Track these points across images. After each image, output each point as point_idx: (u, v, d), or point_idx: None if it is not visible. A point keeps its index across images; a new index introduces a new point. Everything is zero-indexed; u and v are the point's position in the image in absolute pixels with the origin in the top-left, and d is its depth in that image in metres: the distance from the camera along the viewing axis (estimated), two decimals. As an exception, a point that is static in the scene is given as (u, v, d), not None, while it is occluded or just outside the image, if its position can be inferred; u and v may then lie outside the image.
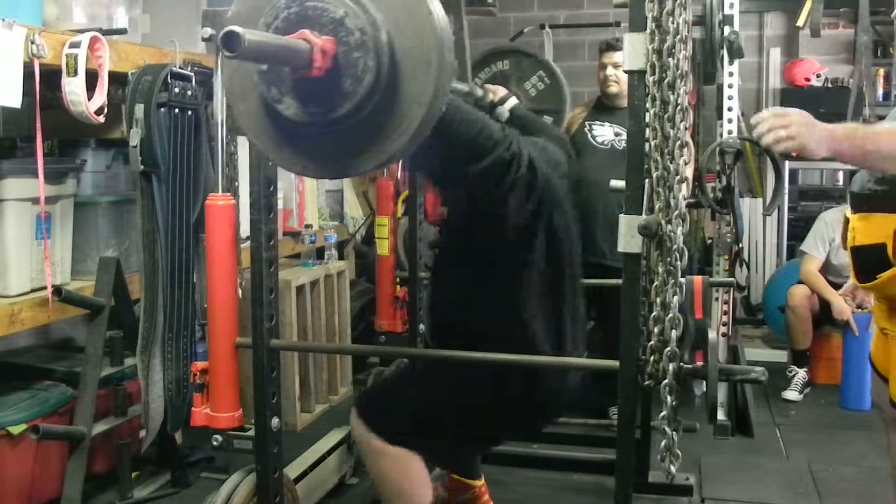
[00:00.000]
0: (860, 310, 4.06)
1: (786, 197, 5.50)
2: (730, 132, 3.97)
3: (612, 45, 3.79)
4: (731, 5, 3.95)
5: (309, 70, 1.40)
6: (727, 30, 3.91)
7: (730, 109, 3.99)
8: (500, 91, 2.51)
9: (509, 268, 2.09)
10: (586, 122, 3.92)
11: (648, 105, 1.60)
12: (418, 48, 1.42)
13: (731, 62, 3.98)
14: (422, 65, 1.42)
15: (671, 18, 1.55)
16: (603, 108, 3.95)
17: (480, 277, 2.13)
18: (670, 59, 1.56)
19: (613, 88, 3.81)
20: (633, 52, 1.60)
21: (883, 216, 1.96)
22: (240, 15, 1.55)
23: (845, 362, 4.20)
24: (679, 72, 1.56)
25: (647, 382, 1.78)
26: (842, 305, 4.15)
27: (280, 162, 1.63)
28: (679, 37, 1.55)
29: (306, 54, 1.38)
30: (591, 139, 3.87)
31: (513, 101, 2.46)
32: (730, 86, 4.00)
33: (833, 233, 4.38)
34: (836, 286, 4.30)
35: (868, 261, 1.98)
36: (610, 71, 3.80)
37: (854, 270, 2.04)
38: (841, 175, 5.80)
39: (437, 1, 1.44)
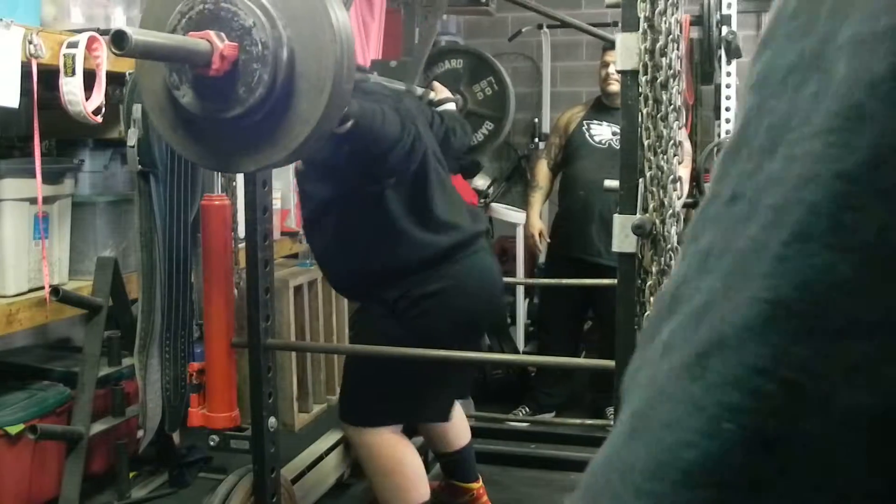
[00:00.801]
0: None
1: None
2: (727, 132, 3.98)
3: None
4: (729, 5, 3.96)
5: (207, 69, 1.44)
6: (725, 30, 3.92)
7: (727, 109, 4.00)
8: (443, 93, 2.55)
9: (389, 205, 2.27)
10: (584, 122, 3.94)
11: (641, 105, 1.61)
12: (315, 72, 1.47)
13: (728, 62, 3.99)
14: (315, 89, 1.47)
15: (663, 18, 1.55)
16: (601, 107, 3.96)
17: (365, 222, 2.30)
18: (663, 59, 1.56)
19: (614, 87, 3.81)
20: (625, 52, 1.60)
21: None
22: (156, 4, 1.61)
23: None
24: (672, 71, 1.57)
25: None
26: None
27: (173, 143, 1.68)
28: (671, 36, 1.55)
29: (206, 55, 1.43)
30: (588, 138, 3.89)
31: (450, 106, 2.50)
32: (728, 86, 4.01)
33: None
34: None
35: None
36: (612, 69, 3.81)
37: None
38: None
39: (345, 28, 1.48)
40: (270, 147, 1.54)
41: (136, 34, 1.31)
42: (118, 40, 1.28)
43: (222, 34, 1.45)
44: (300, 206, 2.70)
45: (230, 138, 1.56)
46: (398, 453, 2.37)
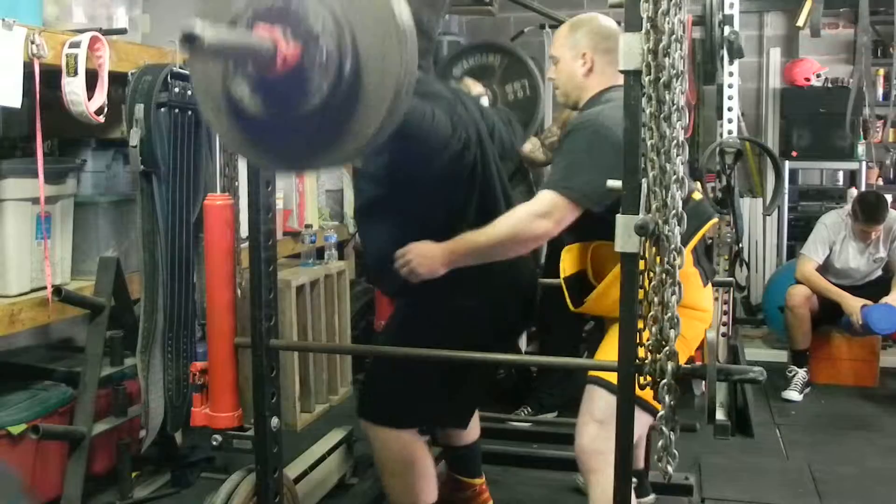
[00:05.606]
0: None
1: (786, 197, 5.50)
2: (730, 132, 3.98)
3: None
4: (731, 5, 3.95)
5: (265, 70, 1.40)
6: (727, 30, 3.92)
7: (730, 109, 3.99)
8: (476, 88, 2.53)
9: (448, 203, 2.24)
10: (586, 122, 3.92)
11: (644, 105, 1.60)
12: (376, 91, 1.41)
13: (731, 62, 3.98)
14: (372, 108, 1.42)
15: (666, 18, 1.55)
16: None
17: (423, 219, 2.23)
18: (666, 59, 1.56)
19: None
20: (628, 52, 1.60)
21: (581, 245, 2.23)
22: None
23: (866, 310, 4.14)
24: (675, 71, 1.56)
25: (645, 382, 1.78)
26: (850, 305, 4.16)
27: (214, 128, 1.64)
28: (674, 36, 1.55)
29: (269, 56, 1.38)
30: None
31: (483, 101, 2.48)
32: (730, 86, 4.00)
33: (834, 236, 4.39)
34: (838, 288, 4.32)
35: (575, 287, 2.23)
36: None
37: (568, 298, 2.27)
38: (841, 175, 5.81)
39: (412, 47, 1.41)
40: (312, 155, 1.51)
41: (208, 36, 1.24)
42: (190, 41, 1.22)
43: (289, 32, 1.38)
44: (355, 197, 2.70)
45: (275, 136, 1.51)
46: (412, 454, 2.38)
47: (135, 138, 2.60)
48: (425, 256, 2.13)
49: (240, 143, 1.59)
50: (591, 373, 2.21)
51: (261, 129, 1.52)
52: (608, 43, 2.24)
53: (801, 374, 4.34)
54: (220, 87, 1.52)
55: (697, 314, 2.22)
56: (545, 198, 2.08)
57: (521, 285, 2.44)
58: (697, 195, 2.32)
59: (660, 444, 1.73)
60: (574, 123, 2.19)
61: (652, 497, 2.75)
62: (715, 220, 2.35)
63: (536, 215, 2.08)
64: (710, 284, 2.32)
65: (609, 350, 2.17)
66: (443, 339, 2.21)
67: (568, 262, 2.30)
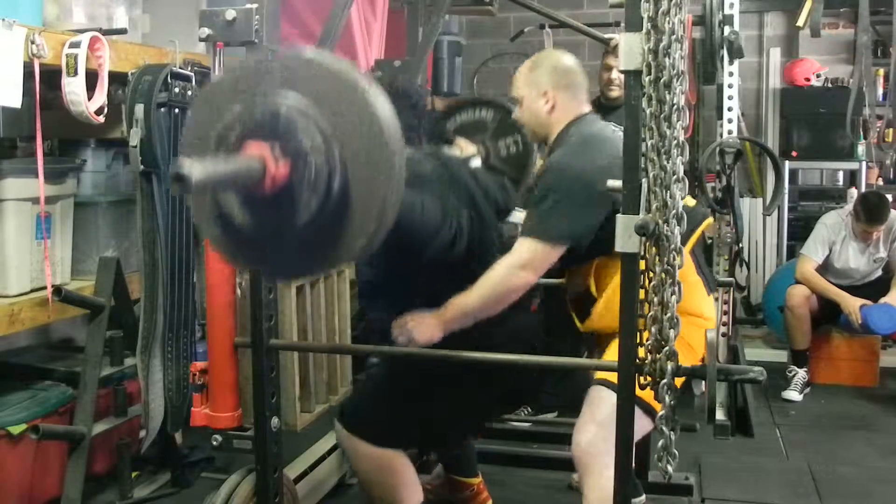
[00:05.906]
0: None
1: (786, 197, 5.50)
2: (730, 132, 3.97)
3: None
4: (731, 5, 3.95)
5: (254, 189, 1.38)
6: (727, 30, 3.91)
7: (730, 109, 3.99)
8: (469, 150, 2.54)
9: (445, 268, 2.23)
10: (585, 122, 3.91)
11: (644, 105, 1.60)
12: (366, 202, 1.40)
13: (731, 62, 3.98)
14: (362, 219, 1.41)
15: (667, 18, 1.55)
16: (601, 106, 3.94)
17: (423, 293, 2.26)
18: (666, 59, 1.56)
19: (615, 92, 3.77)
20: (628, 52, 1.60)
21: (582, 267, 2.30)
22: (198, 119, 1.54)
23: (866, 310, 4.16)
24: (675, 71, 1.56)
25: (645, 382, 1.78)
26: (850, 304, 4.16)
27: (208, 236, 1.63)
28: (675, 36, 1.55)
29: (258, 177, 1.36)
30: (591, 139, 3.87)
31: (475, 162, 2.49)
32: (730, 86, 4.00)
33: (834, 236, 4.39)
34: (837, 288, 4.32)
35: (582, 304, 2.33)
36: (615, 74, 3.76)
37: (575, 317, 2.38)
38: (841, 175, 5.80)
39: (400, 163, 1.41)
40: (303, 265, 1.52)
41: (196, 174, 1.21)
42: (179, 181, 1.21)
43: (277, 149, 1.36)
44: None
45: (265, 248, 1.50)
46: (393, 465, 2.38)
47: (135, 138, 2.59)
48: (422, 325, 2.19)
49: (232, 253, 1.60)
50: (599, 375, 2.23)
51: (252, 241, 1.51)
52: (568, 78, 2.33)
53: (801, 374, 4.34)
54: (211, 199, 1.51)
55: (702, 322, 2.25)
56: (524, 247, 2.17)
57: (522, 339, 2.43)
58: (690, 201, 2.36)
59: (660, 444, 1.73)
60: (542, 170, 2.29)
61: (643, 498, 2.75)
62: (709, 220, 2.38)
63: (516, 268, 2.17)
64: (712, 295, 2.35)
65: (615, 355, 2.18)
66: (442, 396, 2.23)
67: (572, 284, 2.37)
